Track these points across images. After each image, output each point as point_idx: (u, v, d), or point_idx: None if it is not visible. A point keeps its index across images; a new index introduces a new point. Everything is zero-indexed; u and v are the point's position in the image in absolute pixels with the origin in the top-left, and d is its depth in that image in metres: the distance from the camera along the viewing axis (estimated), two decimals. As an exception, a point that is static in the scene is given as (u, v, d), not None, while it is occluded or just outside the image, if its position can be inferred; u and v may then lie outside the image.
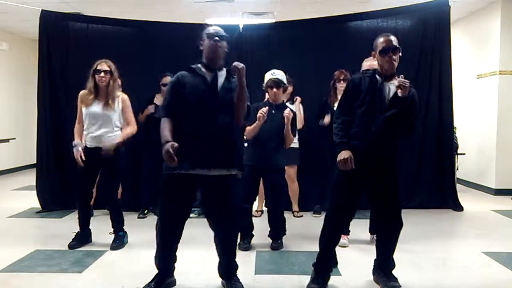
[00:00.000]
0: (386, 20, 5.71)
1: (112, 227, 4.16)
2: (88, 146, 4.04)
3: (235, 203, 3.10)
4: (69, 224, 4.91)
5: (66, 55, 5.64)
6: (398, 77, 2.97)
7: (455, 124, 6.00)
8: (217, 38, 2.90)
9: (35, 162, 5.85)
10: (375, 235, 4.14)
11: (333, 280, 3.26)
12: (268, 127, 3.96)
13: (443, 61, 5.67)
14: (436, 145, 5.75)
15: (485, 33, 7.01)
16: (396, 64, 2.99)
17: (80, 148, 3.99)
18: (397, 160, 3.16)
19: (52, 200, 5.61)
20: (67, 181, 5.52)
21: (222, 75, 2.96)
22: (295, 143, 5.10)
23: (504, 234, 4.63)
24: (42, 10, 5.65)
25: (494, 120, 6.75)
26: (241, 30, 5.81)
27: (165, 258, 3.06)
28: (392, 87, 2.98)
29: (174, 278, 3.16)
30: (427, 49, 5.69)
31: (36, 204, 5.62)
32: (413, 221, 5.05)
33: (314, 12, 6.18)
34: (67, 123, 5.44)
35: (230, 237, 3.10)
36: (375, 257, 3.22)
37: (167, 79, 5.09)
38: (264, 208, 5.27)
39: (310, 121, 5.19)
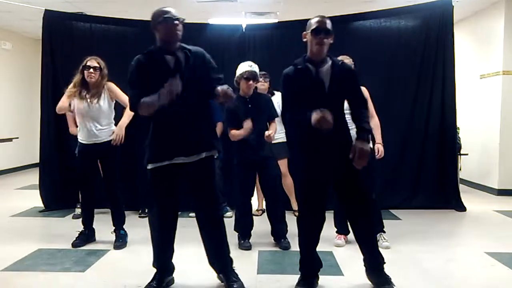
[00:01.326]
0: (390, 20, 5.70)
1: (113, 225, 4.16)
2: (83, 142, 4.05)
3: (217, 189, 3.09)
4: (72, 223, 4.94)
5: (69, 55, 5.63)
6: (328, 61, 2.91)
7: (458, 124, 5.98)
8: (172, 19, 2.80)
9: (38, 161, 5.87)
10: (377, 235, 4.14)
11: (335, 280, 3.26)
12: (252, 119, 3.91)
13: (446, 61, 5.65)
14: (439, 145, 5.73)
15: (489, 33, 7.00)
16: (326, 48, 2.87)
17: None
18: (350, 141, 2.97)
19: (55, 199, 5.63)
20: (70, 181, 5.52)
21: (181, 56, 2.89)
22: (282, 137, 5.07)
23: (507, 235, 4.61)
24: (45, 10, 5.66)
25: (497, 120, 6.73)
26: (243, 30, 5.81)
27: (163, 256, 3.04)
28: (326, 71, 2.89)
29: (172, 276, 3.16)
30: (430, 49, 5.67)
31: (39, 203, 5.64)
32: (415, 221, 5.07)
33: (317, 12, 6.13)
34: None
35: (215, 224, 3.04)
36: (363, 258, 3.10)
37: None
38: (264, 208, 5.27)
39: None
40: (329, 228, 3.10)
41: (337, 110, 2.87)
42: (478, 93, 7.29)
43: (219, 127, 4.75)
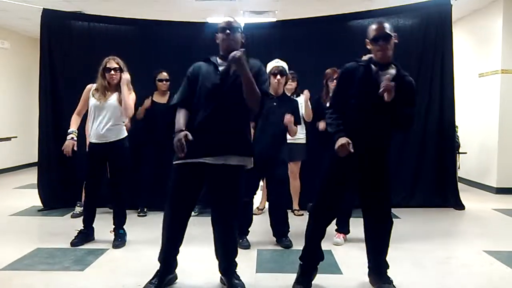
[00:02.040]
0: (388, 18, 5.67)
1: (114, 224, 4.15)
2: (94, 142, 4.05)
3: (240, 197, 3.09)
4: (71, 222, 4.93)
5: (67, 54, 5.64)
6: (394, 68, 2.91)
7: (456, 123, 5.99)
8: (228, 31, 2.93)
9: (36, 160, 5.86)
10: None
11: (334, 278, 3.27)
12: (270, 121, 3.95)
13: (444, 60, 5.66)
14: (437, 144, 5.74)
15: (487, 31, 7.00)
16: (389, 53, 2.87)
17: (74, 138, 3.99)
18: (388, 157, 3.05)
19: (54, 198, 5.62)
20: (69, 180, 5.53)
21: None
22: (302, 138, 5.08)
23: (506, 233, 4.63)
24: (44, 8, 5.65)
25: (495, 119, 6.74)
26: (242, 29, 5.79)
27: (170, 253, 3.05)
28: (386, 76, 2.87)
29: (175, 274, 3.17)
30: (428, 48, 5.68)
31: (38, 203, 5.63)
32: (414, 220, 5.07)
33: (315, 11, 6.17)
34: (69, 122, 5.44)
35: (230, 231, 3.06)
36: (368, 260, 3.11)
37: (163, 74, 5.11)
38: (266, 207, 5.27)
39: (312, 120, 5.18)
40: (329, 227, 3.10)
41: (384, 115, 2.87)
42: (476, 92, 7.30)
43: None
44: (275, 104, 4.01)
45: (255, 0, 6.70)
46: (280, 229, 4.14)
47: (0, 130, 8.28)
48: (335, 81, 4.67)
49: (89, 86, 4.08)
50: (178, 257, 3.13)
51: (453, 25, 5.74)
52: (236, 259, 3.12)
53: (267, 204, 4.34)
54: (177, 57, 5.15)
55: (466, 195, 6.06)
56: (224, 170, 2.89)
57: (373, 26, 2.89)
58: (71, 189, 5.44)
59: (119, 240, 4.08)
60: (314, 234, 3.09)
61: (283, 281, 3.23)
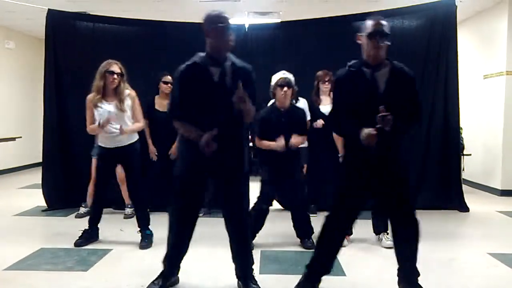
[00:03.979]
0: (393, 19, 5.68)
1: (138, 226, 4.16)
2: (103, 146, 4.08)
3: (247, 202, 3.11)
4: (75, 222, 4.94)
5: (72, 54, 5.65)
6: (387, 65, 2.78)
7: (461, 125, 5.96)
8: (227, 28, 2.77)
9: (41, 160, 5.88)
10: (380, 235, 4.14)
11: (338, 280, 3.26)
12: (283, 133, 3.90)
13: (449, 61, 5.64)
14: (442, 145, 5.72)
15: (492, 33, 6.98)
16: (382, 52, 2.75)
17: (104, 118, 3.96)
18: (402, 156, 2.96)
19: (58, 198, 5.63)
20: (73, 180, 5.55)
21: (228, 67, 2.84)
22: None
23: (510, 235, 4.61)
24: (49, 9, 5.67)
25: (500, 120, 6.71)
26: (246, 30, 5.81)
27: (175, 258, 3.05)
28: (382, 75, 2.78)
29: (177, 276, 3.17)
30: (433, 49, 5.66)
31: (42, 203, 5.65)
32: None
33: (320, 12, 6.16)
34: (73, 122, 5.48)
35: (243, 237, 3.07)
36: (398, 267, 2.98)
37: (168, 78, 5.10)
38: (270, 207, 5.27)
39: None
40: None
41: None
42: (481, 93, 7.27)
43: None
44: (283, 120, 3.95)
45: (260, 1, 6.70)
46: (303, 230, 4.12)
47: (5, 130, 8.31)
48: (326, 83, 4.67)
49: (89, 96, 4.07)
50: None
51: (458, 27, 5.72)
52: (252, 261, 3.11)
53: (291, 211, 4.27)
54: (181, 58, 5.12)
55: (470, 197, 6.03)
56: (229, 178, 2.93)
57: (371, 21, 2.78)
58: (75, 190, 5.46)
59: (146, 241, 4.08)
60: (325, 243, 3.01)
61: (286, 282, 3.22)
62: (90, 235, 4.17)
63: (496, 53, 6.89)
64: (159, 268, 3.08)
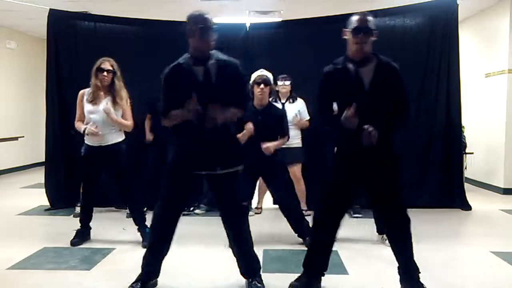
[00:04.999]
0: (394, 18, 5.69)
1: (136, 225, 4.16)
2: (89, 144, 4.07)
3: (242, 199, 3.09)
4: (78, 221, 4.93)
5: (74, 54, 5.66)
6: (373, 61, 2.77)
7: (463, 123, 5.96)
8: (208, 29, 2.78)
9: (43, 160, 5.89)
10: (384, 235, 4.14)
11: (341, 279, 3.26)
12: (257, 136, 3.87)
13: (451, 59, 5.63)
14: (444, 144, 5.71)
15: (494, 31, 6.96)
16: (366, 48, 2.74)
17: (88, 125, 3.97)
18: (393, 152, 2.96)
19: (61, 198, 5.65)
20: (75, 179, 5.55)
21: (212, 67, 2.84)
22: (297, 142, 5.10)
23: (513, 234, 4.60)
24: (50, 9, 5.68)
25: (502, 119, 6.70)
26: (247, 29, 5.81)
27: (155, 258, 3.02)
28: (367, 70, 2.77)
29: (156, 280, 3.11)
30: (435, 48, 5.65)
31: (45, 202, 5.67)
32: (420, 221, 5.03)
33: (321, 11, 6.15)
34: (75, 122, 5.48)
35: (242, 235, 3.05)
36: (397, 265, 2.98)
37: None
38: (264, 206, 5.27)
39: (315, 120, 5.18)
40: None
41: (378, 112, 2.77)
42: (483, 92, 7.26)
43: None
44: (259, 118, 3.90)
45: (261, 0, 6.70)
46: (300, 227, 4.09)
47: (7, 130, 8.32)
48: None
49: (81, 92, 4.09)
50: (167, 257, 3.09)
51: (460, 25, 5.71)
52: (257, 259, 3.10)
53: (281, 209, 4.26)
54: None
55: (472, 195, 6.03)
56: (221, 177, 2.91)
57: (356, 17, 2.79)
58: (78, 189, 5.44)
59: (147, 240, 4.08)
60: (317, 240, 3.02)
61: (288, 281, 3.21)
62: (84, 234, 4.19)
63: (498, 51, 6.88)
64: (173, 267, 3.08)
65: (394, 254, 2.96)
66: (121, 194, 4.22)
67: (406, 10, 5.72)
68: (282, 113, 4.26)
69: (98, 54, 4.17)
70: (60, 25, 5.69)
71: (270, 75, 4.06)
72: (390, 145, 2.91)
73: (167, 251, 3.04)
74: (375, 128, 2.71)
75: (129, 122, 4.10)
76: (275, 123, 3.99)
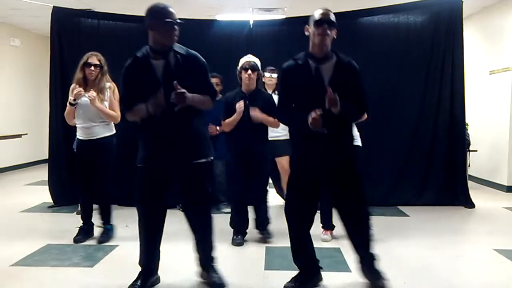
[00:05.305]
0: (398, 15, 5.67)
1: (101, 219, 4.18)
2: (80, 138, 4.09)
3: (208, 191, 3.01)
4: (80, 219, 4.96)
5: (77, 51, 5.62)
6: (333, 58, 2.77)
7: (467, 121, 5.95)
8: (173, 23, 2.75)
9: (47, 157, 5.91)
10: (328, 231, 4.16)
11: (343, 276, 3.26)
12: (245, 119, 3.90)
13: (455, 57, 5.61)
14: (448, 141, 5.70)
15: (498, 28, 6.93)
16: (328, 41, 2.74)
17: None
18: (352, 147, 3.00)
19: (64, 195, 5.66)
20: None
21: (172, 59, 2.81)
22: (284, 135, 5.06)
23: (516, 232, 4.59)
24: (54, 6, 5.69)
25: (506, 116, 6.67)
26: (251, 26, 5.80)
27: (149, 255, 3.01)
28: (327, 68, 2.79)
29: (158, 276, 3.11)
30: (439, 45, 5.63)
31: (48, 199, 5.68)
32: (423, 218, 5.05)
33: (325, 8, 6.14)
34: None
35: (203, 226, 3.02)
36: (355, 255, 3.05)
37: None
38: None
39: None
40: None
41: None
42: (487, 89, 7.23)
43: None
44: (247, 102, 3.91)
45: (264, -3, 6.69)
46: (263, 221, 4.18)
47: (11, 127, 8.35)
48: None
49: (72, 86, 4.09)
50: (169, 253, 3.11)
51: (464, 22, 5.69)
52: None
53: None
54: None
55: (476, 193, 6.02)
56: (187, 168, 2.88)
57: (319, 11, 2.80)
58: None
59: (104, 235, 4.14)
60: (294, 236, 3.00)
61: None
62: (86, 231, 4.19)
63: (502, 48, 6.84)
64: (164, 264, 3.08)
65: (353, 244, 3.01)
66: (97, 188, 4.13)
67: (410, 7, 5.70)
68: (270, 95, 4.28)
69: (102, 51, 4.18)
70: (64, 22, 5.70)
71: (258, 61, 4.04)
72: (348, 136, 2.93)
73: (156, 248, 3.02)
74: (334, 128, 2.73)
75: (115, 113, 4.05)
76: (263, 105, 3.98)
